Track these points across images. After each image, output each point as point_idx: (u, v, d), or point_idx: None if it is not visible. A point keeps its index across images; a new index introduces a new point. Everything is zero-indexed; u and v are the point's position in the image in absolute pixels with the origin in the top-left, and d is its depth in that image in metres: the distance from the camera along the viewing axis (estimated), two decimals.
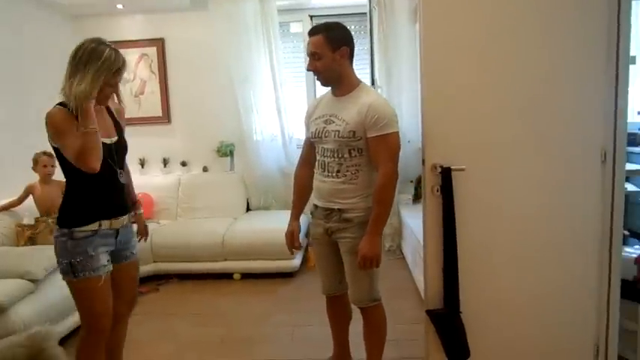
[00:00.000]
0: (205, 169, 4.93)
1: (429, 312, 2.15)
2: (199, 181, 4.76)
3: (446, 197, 2.07)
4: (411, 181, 4.64)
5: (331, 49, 2.00)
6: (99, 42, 1.90)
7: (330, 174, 2.10)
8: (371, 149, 2.02)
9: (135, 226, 2.25)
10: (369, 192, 2.06)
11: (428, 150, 2.12)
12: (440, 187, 2.09)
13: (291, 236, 2.29)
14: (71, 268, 1.89)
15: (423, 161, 2.14)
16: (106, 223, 1.98)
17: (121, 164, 2.10)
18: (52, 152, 3.46)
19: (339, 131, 2.03)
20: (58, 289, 2.87)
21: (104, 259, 1.96)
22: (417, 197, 4.56)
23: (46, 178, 3.50)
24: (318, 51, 2.00)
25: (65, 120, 1.87)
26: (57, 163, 3.51)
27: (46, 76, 4.30)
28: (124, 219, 2.08)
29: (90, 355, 2.00)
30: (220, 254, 3.95)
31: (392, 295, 3.45)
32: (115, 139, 2.07)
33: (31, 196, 3.52)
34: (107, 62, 1.87)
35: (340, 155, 2.06)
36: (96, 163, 1.84)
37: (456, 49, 2.07)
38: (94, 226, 1.94)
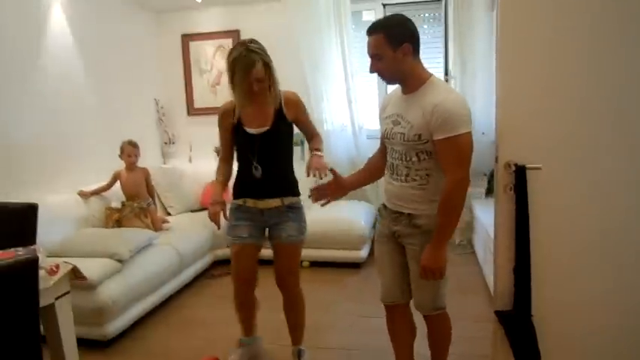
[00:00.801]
0: None
1: (498, 313, 2.10)
2: None
3: (519, 197, 2.00)
4: (484, 175, 4.49)
5: (392, 47, 1.81)
6: (235, 47, 2.17)
7: (399, 177, 1.95)
8: (438, 153, 1.82)
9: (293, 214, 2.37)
10: (438, 198, 1.88)
11: (502, 147, 2.05)
12: (513, 186, 2.02)
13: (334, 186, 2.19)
14: (226, 231, 2.37)
15: (497, 158, 2.07)
16: (250, 202, 2.29)
17: (266, 154, 2.26)
18: (136, 142, 3.73)
19: (404, 134, 1.87)
20: (142, 270, 3.12)
21: (243, 230, 2.30)
22: (489, 191, 4.41)
23: (130, 166, 3.77)
24: (378, 52, 1.84)
25: (221, 114, 2.34)
26: (140, 152, 3.80)
27: (131, 68, 4.63)
28: (269, 202, 2.29)
29: (235, 304, 2.42)
30: None
31: (461, 290, 3.40)
32: (264, 129, 2.24)
33: (118, 182, 3.80)
34: (240, 65, 2.10)
35: (408, 159, 1.90)
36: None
37: (535, 39, 1.97)
38: (239, 201, 2.33)
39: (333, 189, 2.16)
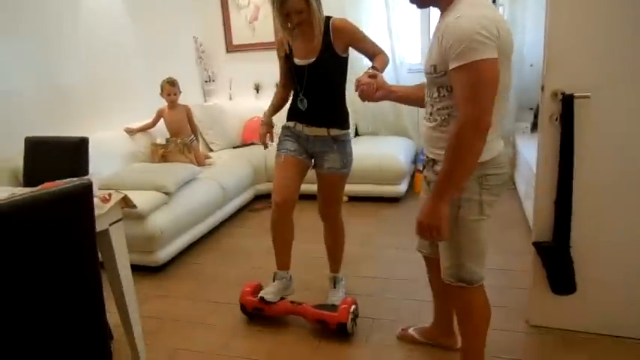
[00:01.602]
0: None
1: (536, 244, 2.10)
2: None
3: (566, 127, 1.94)
4: (531, 109, 4.33)
5: None
6: None
7: (426, 116, 1.70)
8: (452, 85, 1.48)
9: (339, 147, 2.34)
10: None
11: (549, 75, 1.96)
12: (559, 116, 1.95)
13: None
14: (277, 147, 2.42)
15: (543, 87, 1.99)
16: (299, 126, 2.35)
17: (313, 86, 2.26)
18: (175, 80, 3.77)
19: (425, 65, 1.63)
20: (187, 202, 3.26)
21: (290, 145, 2.35)
22: (535, 126, 4.26)
23: (171, 104, 3.85)
24: None
25: (278, 43, 2.36)
26: (179, 91, 3.85)
27: (169, 6, 4.61)
28: (315, 130, 2.31)
29: (271, 223, 2.36)
30: None
31: (502, 225, 3.40)
32: (310, 61, 2.23)
33: (162, 119, 3.90)
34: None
35: (430, 94, 1.64)
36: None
37: None
38: (290, 123, 2.39)
39: (379, 90, 1.89)
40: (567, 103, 1.92)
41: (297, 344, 2.26)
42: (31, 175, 2.53)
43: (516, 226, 3.39)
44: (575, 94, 1.90)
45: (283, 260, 2.43)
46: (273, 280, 2.42)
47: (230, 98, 5.17)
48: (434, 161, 1.66)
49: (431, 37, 1.71)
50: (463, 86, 1.42)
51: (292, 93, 2.40)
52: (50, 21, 3.30)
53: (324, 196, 2.46)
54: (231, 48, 5.15)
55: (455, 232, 1.61)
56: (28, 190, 1.93)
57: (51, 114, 3.29)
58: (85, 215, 1.42)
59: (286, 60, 2.33)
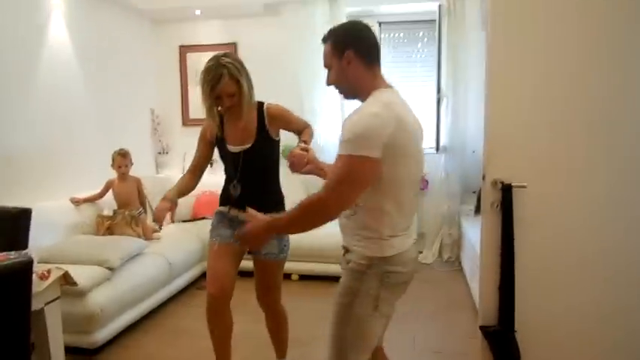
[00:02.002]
0: None
1: (482, 328, 2.14)
2: None
3: (505, 214, 2.06)
4: (474, 192, 4.55)
5: (338, 56, 1.58)
6: (209, 59, 2.14)
7: None
8: None
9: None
10: (368, 235, 1.55)
11: (490, 165, 2.11)
12: (500, 203, 2.08)
13: None
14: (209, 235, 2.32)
15: (484, 176, 2.13)
16: (233, 211, 2.26)
17: (248, 171, 2.21)
18: (127, 152, 3.72)
19: None
20: (131, 278, 3.12)
21: (224, 231, 2.25)
22: (478, 209, 4.47)
23: (121, 176, 3.79)
24: (327, 62, 1.62)
25: (207, 126, 2.28)
26: (130, 163, 3.80)
27: (128, 78, 4.67)
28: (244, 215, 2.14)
29: (207, 317, 2.21)
30: None
31: (449, 307, 3.44)
32: (245, 147, 2.19)
33: (110, 191, 3.81)
34: (207, 78, 2.09)
35: None
36: None
37: (524, 59, 2.05)
38: (224, 208, 2.31)
39: (309, 164, 1.93)
40: (506, 191, 2.05)
41: None
42: None
43: (463, 307, 3.44)
44: (513, 184, 2.04)
45: (223, 356, 2.28)
46: None
47: (183, 171, 5.13)
48: (344, 248, 1.64)
49: None
50: (334, 172, 1.47)
51: (225, 178, 2.33)
52: (2, 80, 3.25)
53: (262, 282, 2.36)
54: (187, 122, 5.21)
55: (343, 323, 1.60)
56: None
57: None
58: (21, 294, 1.34)
59: (215, 146, 2.29)
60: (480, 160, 4.36)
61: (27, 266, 1.32)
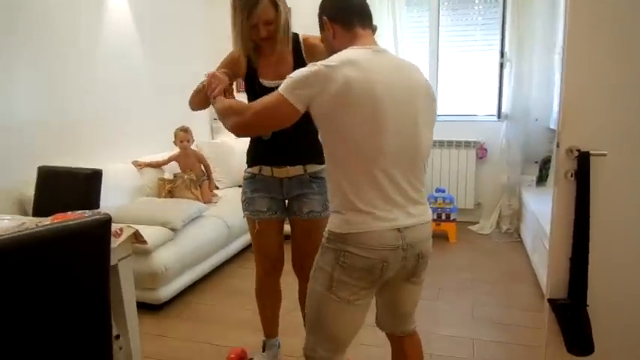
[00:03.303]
0: None
1: (551, 301, 2.06)
2: None
3: (581, 183, 1.94)
4: (536, 162, 4.37)
5: (321, 27, 1.57)
6: None
7: None
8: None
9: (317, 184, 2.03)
10: (331, 205, 1.49)
11: (565, 131, 1.98)
12: (574, 173, 1.96)
13: None
14: (242, 205, 2.08)
15: (558, 144, 2.01)
16: (266, 170, 1.99)
17: None
18: (188, 128, 3.76)
19: None
20: (192, 239, 3.23)
21: (261, 204, 2.01)
22: (540, 179, 4.29)
23: (183, 151, 3.93)
24: (321, 37, 1.62)
25: (229, 61, 2.06)
26: (192, 138, 3.87)
27: (184, 43, 4.71)
28: (289, 170, 1.97)
29: (257, 292, 2.17)
30: None
31: (508, 278, 3.36)
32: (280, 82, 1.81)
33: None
34: (239, 2, 1.82)
35: None
36: (191, 105, 2.11)
37: (608, 21, 1.88)
38: (254, 169, 2.03)
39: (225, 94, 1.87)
40: (583, 160, 1.93)
41: None
42: (40, 205, 2.51)
43: (523, 279, 3.34)
44: (591, 152, 1.91)
45: (273, 328, 2.23)
46: (263, 350, 2.21)
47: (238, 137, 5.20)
48: None
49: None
50: (263, 99, 1.46)
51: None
52: (66, 51, 3.34)
53: (303, 246, 2.08)
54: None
55: (308, 297, 1.53)
56: (37, 220, 1.92)
57: (61, 144, 3.30)
58: (101, 250, 1.39)
59: (246, 81, 2.01)
60: (544, 129, 4.18)
61: (106, 223, 1.36)
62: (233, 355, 2.22)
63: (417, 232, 1.45)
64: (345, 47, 1.46)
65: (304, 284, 2.03)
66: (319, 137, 1.46)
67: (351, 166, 1.39)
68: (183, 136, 3.85)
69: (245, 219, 2.10)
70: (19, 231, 1.21)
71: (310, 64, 1.41)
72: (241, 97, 1.89)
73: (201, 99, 1.88)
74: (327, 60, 1.39)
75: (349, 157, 1.39)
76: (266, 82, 1.95)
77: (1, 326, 1.17)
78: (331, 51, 1.50)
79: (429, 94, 1.52)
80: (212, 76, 1.79)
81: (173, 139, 3.90)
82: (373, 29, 1.58)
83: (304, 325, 2.13)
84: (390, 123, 1.37)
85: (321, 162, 1.98)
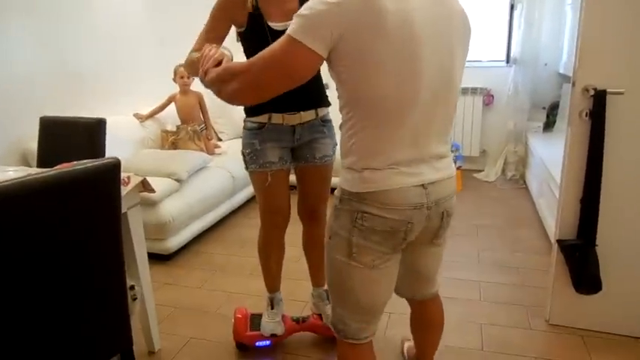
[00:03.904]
0: None
1: (560, 242, 2.07)
2: None
3: (596, 123, 1.90)
4: (543, 108, 4.31)
5: None
6: None
7: None
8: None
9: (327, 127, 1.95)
10: (345, 162, 1.27)
11: (581, 69, 1.93)
12: (589, 112, 1.92)
13: None
14: (244, 159, 1.91)
15: (574, 83, 1.95)
16: (276, 117, 1.83)
17: None
18: None
19: None
20: (198, 190, 3.22)
21: (272, 155, 1.86)
22: (547, 125, 4.24)
23: (183, 88, 3.79)
24: None
25: (224, 3, 1.77)
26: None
27: None
28: (301, 116, 1.85)
29: (262, 246, 2.06)
30: None
31: (514, 223, 3.38)
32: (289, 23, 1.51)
33: (173, 105, 3.85)
34: None
35: None
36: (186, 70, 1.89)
37: None
38: (261, 119, 1.84)
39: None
40: (599, 99, 1.88)
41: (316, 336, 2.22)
42: (45, 156, 2.47)
43: (529, 224, 3.36)
44: (608, 90, 1.87)
45: (277, 281, 2.15)
46: (272, 307, 2.12)
47: None
48: None
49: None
50: (268, 48, 1.18)
51: None
52: (65, 3, 3.22)
53: (314, 192, 2.01)
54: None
55: (328, 266, 1.38)
56: (42, 170, 1.89)
57: (61, 96, 3.22)
58: (112, 195, 1.37)
59: (248, 24, 1.75)
60: (554, 73, 4.09)
61: (116, 167, 1.33)
62: (239, 315, 2.15)
63: (441, 187, 1.28)
64: None
65: (312, 229, 2.07)
66: (336, 86, 1.22)
67: (379, 115, 1.18)
68: (183, 71, 3.71)
69: (249, 173, 1.94)
70: (27, 175, 1.19)
71: None
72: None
73: (196, 71, 1.59)
74: None
75: (379, 104, 1.17)
76: (274, 25, 1.71)
77: (14, 275, 1.17)
78: None
79: (466, 25, 1.31)
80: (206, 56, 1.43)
81: (172, 77, 3.77)
82: None
83: (309, 271, 2.19)
84: (426, 64, 1.16)
85: (328, 104, 1.94)
